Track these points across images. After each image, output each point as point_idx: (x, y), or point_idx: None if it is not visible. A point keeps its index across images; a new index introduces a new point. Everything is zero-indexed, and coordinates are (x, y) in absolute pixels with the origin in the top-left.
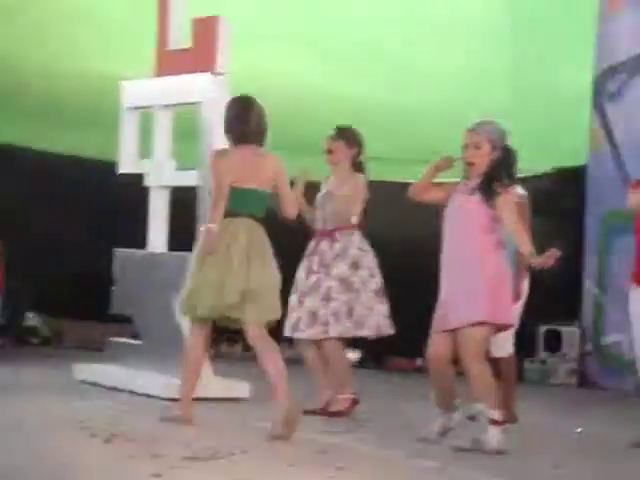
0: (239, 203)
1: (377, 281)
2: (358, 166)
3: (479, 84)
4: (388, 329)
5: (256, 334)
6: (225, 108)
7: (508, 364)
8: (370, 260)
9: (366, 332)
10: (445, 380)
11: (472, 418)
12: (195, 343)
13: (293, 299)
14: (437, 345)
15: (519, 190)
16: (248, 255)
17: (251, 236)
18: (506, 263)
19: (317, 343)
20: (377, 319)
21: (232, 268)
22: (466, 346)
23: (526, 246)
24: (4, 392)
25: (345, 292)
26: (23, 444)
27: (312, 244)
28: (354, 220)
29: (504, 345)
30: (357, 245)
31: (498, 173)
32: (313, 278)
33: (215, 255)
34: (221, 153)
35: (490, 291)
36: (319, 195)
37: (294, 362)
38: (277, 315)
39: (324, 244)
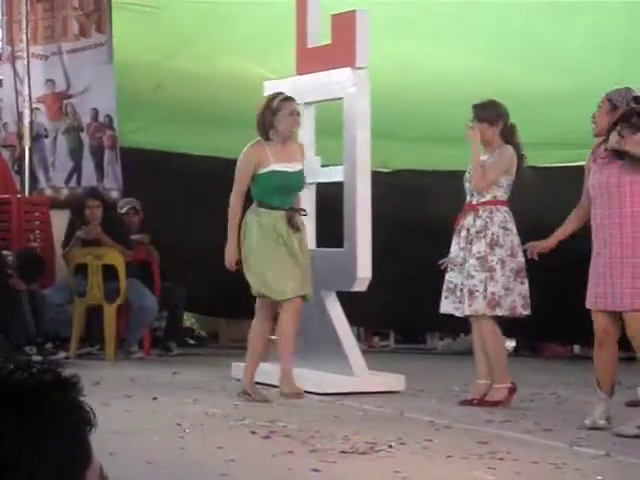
0: None
1: (519, 260)
2: (507, 136)
3: (623, 66)
4: (523, 310)
5: None
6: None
7: None
8: (512, 239)
9: (500, 312)
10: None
11: (634, 404)
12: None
13: (447, 277)
14: (601, 322)
15: None
16: None
17: None
18: None
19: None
20: (514, 299)
21: None
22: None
23: None
24: (164, 392)
25: (482, 271)
26: (185, 442)
27: (460, 217)
28: (499, 195)
29: None
30: (499, 223)
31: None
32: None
33: None
34: None
35: None
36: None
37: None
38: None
39: (469, 219)
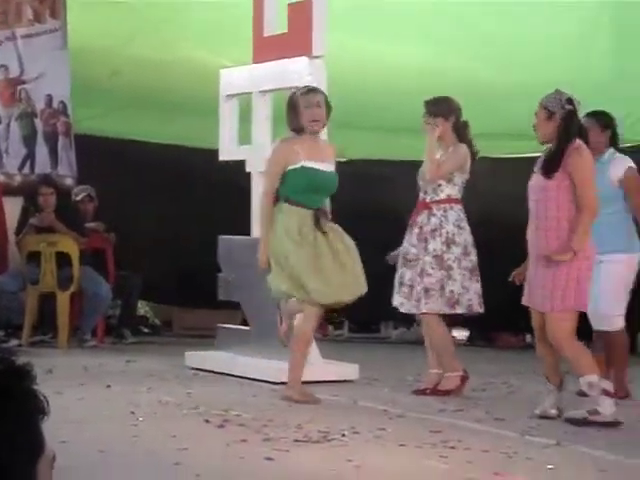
0: None
1: (472, 259)
2: (460, 132)
3: (581, 63)
4: (479, 308)
5: None
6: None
7: (619, 338)
8: (466, 237)
9: (460, 310)
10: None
11: (582, 394)
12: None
13: (400, 272)
14: (537, 318)
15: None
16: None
17: None
18: None
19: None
20: (470, 297)
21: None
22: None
23: None
24: (118, 381)
25: (439, 269)
26: (138, 431)
27: (414, 214)
28: (453, 193)
29: (615, 320)
30: (453, 221)
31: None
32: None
33: None
34: None
35: None
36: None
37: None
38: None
39: (423, 216)
